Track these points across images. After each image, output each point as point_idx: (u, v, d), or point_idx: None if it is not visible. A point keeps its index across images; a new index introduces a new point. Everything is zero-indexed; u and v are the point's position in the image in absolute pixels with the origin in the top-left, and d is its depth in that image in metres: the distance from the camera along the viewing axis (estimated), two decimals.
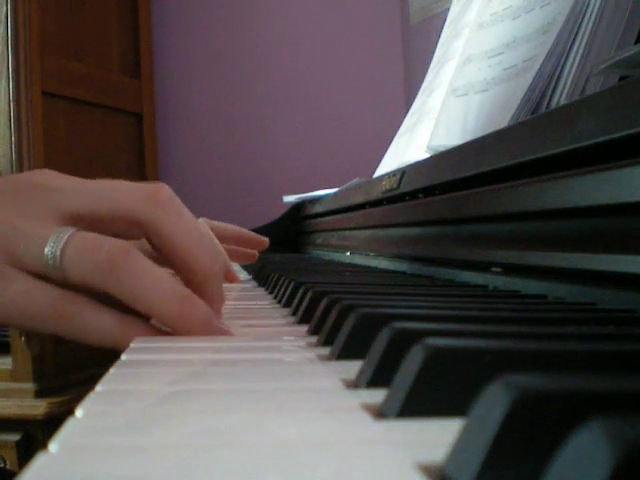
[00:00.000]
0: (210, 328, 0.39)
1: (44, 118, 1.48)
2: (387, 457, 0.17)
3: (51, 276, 0.38)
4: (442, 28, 1.05)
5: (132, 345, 0.35)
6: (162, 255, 0.42)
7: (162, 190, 0.41)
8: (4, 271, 0.38)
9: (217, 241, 0.63)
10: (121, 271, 0.37)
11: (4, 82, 1.42)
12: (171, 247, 0.40)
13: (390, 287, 0.56)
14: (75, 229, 0.38)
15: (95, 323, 0.38)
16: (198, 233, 0.41)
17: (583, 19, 0.57)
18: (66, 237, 0.38)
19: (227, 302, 0.54)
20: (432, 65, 1.05)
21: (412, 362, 0.21)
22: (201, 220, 0.73)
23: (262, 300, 0.60)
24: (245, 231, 0.85)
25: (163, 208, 0.40)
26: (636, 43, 0.53)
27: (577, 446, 0.12)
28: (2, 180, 0.42)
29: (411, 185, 0.71)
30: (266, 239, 0.86)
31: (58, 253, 0.37)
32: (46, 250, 0.37)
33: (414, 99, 1.09)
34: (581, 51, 0.56)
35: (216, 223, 0.80)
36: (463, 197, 0.54)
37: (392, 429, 0.19)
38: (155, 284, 0.38)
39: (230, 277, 0.76)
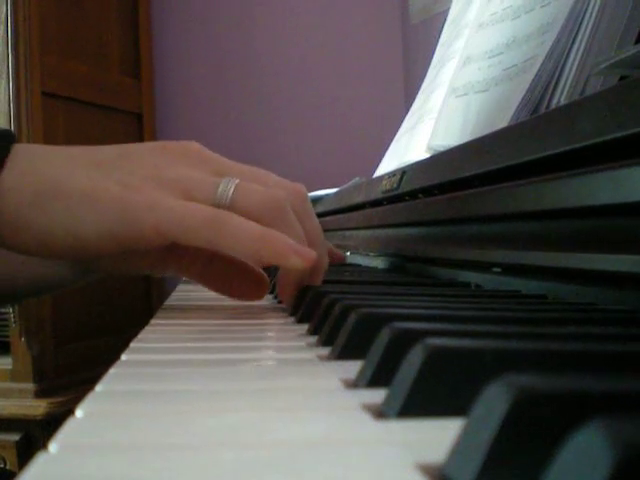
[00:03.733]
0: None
1: (44, 118, 1.48)
2: (387, 457, 0.17)
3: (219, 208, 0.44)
4: (442, 28, 1.04)
5: (132, 345, 0.35)
6: None
7: (304, 193, 0.49)
8: (170, 195, 0.44)
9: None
10: (281, 215, 0.45)
11: (4, 82, 1.42)
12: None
13: (390, 287, 0.56)
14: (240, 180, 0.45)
15: (242, 229, 0.42)
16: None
17: (583, 19, 0.57)
18: (236, 181, 0.45)
19: (226, 302, 0.55)
20: (432, 65, 1.05)
21: (412, 362, 0.21)
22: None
23: (262, 300, 0.60)
24: (327, 244, 0.85)
25: (304, 211, 0.48)
26: (636, 43, 0.53)
27: (577, 446, 0.12)
28: (165, 145, 0.48)
29: (411, 185, 0.71)
30: (343, 255, 0.86)
31: (230, 192, 0.44)
32: (219, 190, 0.44)
33: (414, 99, 1.09)
34: (581, 51, 0.56)
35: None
36: (463, 197, 0.54)
37: (392, 429, 0.19)
38: (299, 235, 0.45)
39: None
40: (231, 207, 0.44)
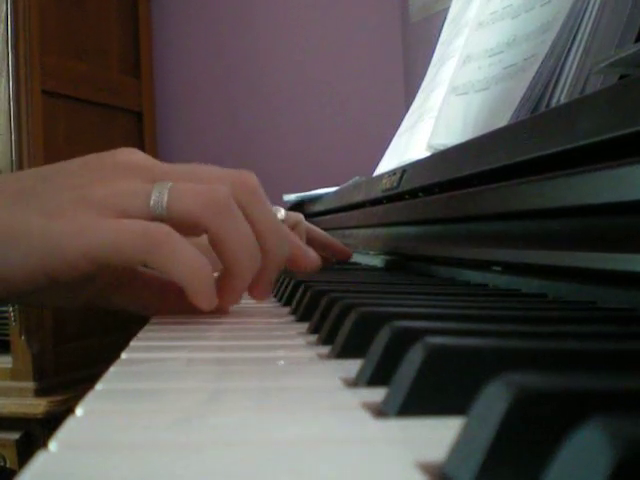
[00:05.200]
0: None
1: (44, 117, 1.48)
2: (387, 456, 0.17)
3: (154, 218, 0.41)
4: (442, 26, 1.04)
5: (132, 344, 0.35)
6: None
7: (252, 179, 0.46)
8: (97, 217, 0.41)
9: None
10: (223, 209, 0.42)
11: (4, 81, 1.42)
12: (256, 229, 0.44)
13: (390, 286, 0.56)
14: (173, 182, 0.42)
15: (181, 251, 0.40)
16: (277, 225, 0.46)
17: (583, 18, 0.57)
18: (169, 185, 0.42)
19: None
20: (432, 63, 1.05)
21: (412, 361, 0.21)
22: (294, 214, 0.77)
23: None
24: (333, 240, 0.85)
25: (253, 196, 0.45)
26: (636, 42, 0.53)
27: (577, 445, 0.12)
28: (90, 156, 0.45)
29: (411, 184, 0.71)
30: (350, 252, 0.85)
31: (164, 198, 0.41)
32: (152, 198, 0.41)
33: (414, 98, 1.09)
34: (581, 50, 0.56)
35: (311, 226, 0.81)
36: (463, 196, 0.54)
37: (392, 428, 0.19)
38: (246, 231, 0.43)
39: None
40: (168, 214, 0.41)
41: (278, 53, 2.04)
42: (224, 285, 0.44)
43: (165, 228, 0.41)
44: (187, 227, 0.43)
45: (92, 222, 0.40)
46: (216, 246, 0.43)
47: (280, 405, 0.23)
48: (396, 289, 0.51)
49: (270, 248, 0.45)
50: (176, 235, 0.41)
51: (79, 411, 0.21)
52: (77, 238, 0.40)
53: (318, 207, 1.30)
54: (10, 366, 1.41)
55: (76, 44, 1.66)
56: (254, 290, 0.47)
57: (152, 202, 0.41)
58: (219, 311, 0.45)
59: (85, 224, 0.40)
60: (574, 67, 0.56)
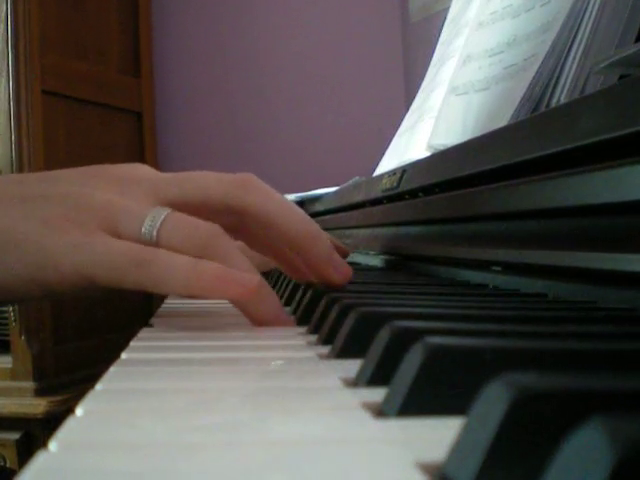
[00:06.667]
0: (277, 320, 0.42)
1: (44, 116, 1.48)
2: (387, 456, 0.17)
3: (144, 243, 0.41)
4: (442, 26, 1.04)
5: (132, 344, 0.35)
6: (261, 240, 0.47)
7: (250, 177, 0.44)
8: (93, 232, 0.41)
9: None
10: (213, 249, 0.40)
11: (4, 80, 1.42)
12: (267, 222, 0.44)
13: (390, 286, 0.56)
14: (172, 210, 0.42)
15: (171, 267, 0.39)
16: (290, 205, 0.45)
17: (583, 18, 0.57)
18: (164, 215, 0.41)
19: (226, 302, 0.55)
20: (432, 63, 1.05)
21: (412, 361, 0.21)
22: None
23: None
24: (331, 238, 0.83)
25: (253, 191, 0.43)
26: (636, 42, 0.53)
27: (577, 445, 0.12)
28: (102, 169, 0.45)
29: (411, 184, 0.71)
30: (347, 250, 0.84)
31: (157, 227, 0.41)
32: (145, 224, 0.41)
33: (414, 97, 1.09)
34: (581, 50, 0.56)
35: None
36: (463, 196, 0.54)
37: (392, 428, 0.19)
38: (241, 265, 0.41)
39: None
40: (157, 243, 0.41)
41: (278, 53, 2.04)
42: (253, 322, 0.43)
43: (155, 251, 0.40)
44: None
45: (87, 239, 0.40)
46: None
47: (280, 405, 0.23)
48: (396, 289, 0.51)
49: (295, 231, 0.44)
50: (167, 254, 0.40)
51: (79, 411, 0.21)
52: (71, 254, 0.40)
53: (318, 207, 1.30)
54: (10, 366, 1.41)
55: (76, 44, 1.66)
56: (330, 276, 0.45)
57: (144, 228, 0.41)
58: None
59: (80, 240, 0.40)
60: (574, 67, 0.56)
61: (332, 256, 0.45)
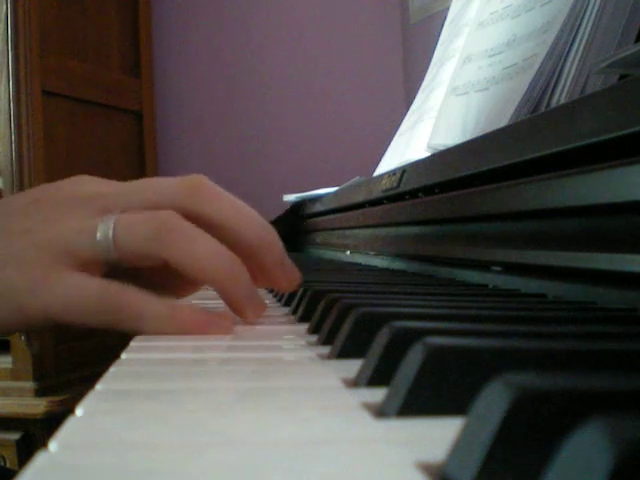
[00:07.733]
0: (252, 300, 0.41)
1: (44, 117, 1.48)
2: (387, 456, 0.17)
3: (105, 260, 0.39)
4: (442, 27, 1.04)
5: (132, 344, 0.35)
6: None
7: (201, 180, 0.43)
8: (54, 269, 0.39)
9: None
10: (173, 234, 0.39)
11: (4, 81, 1.42)
12: (221, 224, 0.42)
13: (390, 286, 0.56)
14: (119, 213, 0.40)
15: (145, 311, 0.38)
16: (246, 209, 0.44)
17: (583, 18, 0.57)
18: (114, 219, 0.39)
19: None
20: (432, 64, 1.05)
21: (412, 361, 0.21)
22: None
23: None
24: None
25: (205, 196, 0.42)
26: (636, 42, 0.53)
27: (577, 445, 0.12)
28: (39, 191, 0.43)
29: (411, 184, 0.71)
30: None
31: (110, 232, 0.39)
32: (98, 235, 0.39)
33: (414, 98, 1.09)
34: (581, 50, 0.56)
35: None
36: (463, 196, 0.54)
37: (392, 428, 0.19)
38: (206, 246, 0.39)
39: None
40: (117, 249, 0.39)
41: (278, 53, 2.04)
42: (231, 305, 0.42)
43: (121, 289, 0.39)
44: (143, 260, 0.40)
45: (46, 276, 0.39)
46: (186, 272, 0.40)
47: (280, 405, 0.23)
48: (396, 289, 0.51)
49: (250, 235, 0.43)
50: (132, 292, 0.39)
51: (79, 411, 0.21)
52: (33, 295, 0.39)
53: (318, 207, 1.30)
54: (10, 366, 1.41)
55: (76, 44, 1.66)
56: (281, 282, 0.45)
57: (98, 237, 0.39)
58: (251, 323, 0.43)
59: (39, 279, 0.39)
60: (574, 67, 0.56)
61: (284, 261, 0.45)
